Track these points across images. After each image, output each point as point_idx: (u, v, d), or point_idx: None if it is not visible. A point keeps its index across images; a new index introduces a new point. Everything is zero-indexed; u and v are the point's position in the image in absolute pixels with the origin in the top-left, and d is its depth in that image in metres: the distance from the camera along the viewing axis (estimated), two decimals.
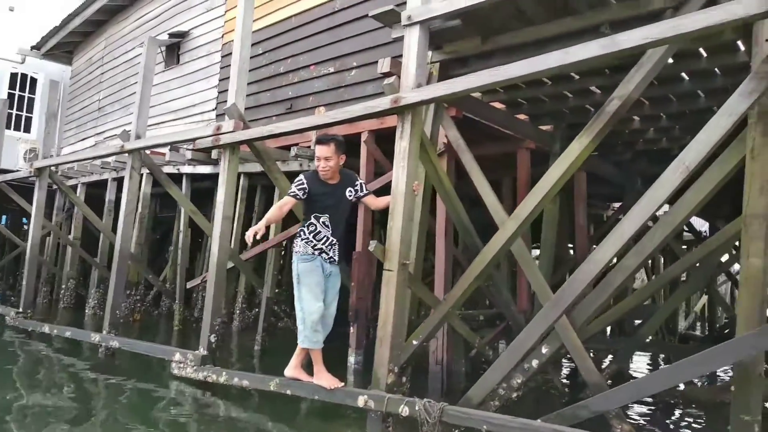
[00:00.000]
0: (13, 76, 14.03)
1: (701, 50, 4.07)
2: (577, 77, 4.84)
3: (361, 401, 3.66)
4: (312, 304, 3.86)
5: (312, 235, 3.94)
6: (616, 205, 10.15)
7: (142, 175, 7.96)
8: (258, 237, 3.73)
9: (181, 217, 8.92)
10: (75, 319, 9.44)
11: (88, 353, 6.38)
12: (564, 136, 5.86)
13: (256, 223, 3.93)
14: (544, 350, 3.83)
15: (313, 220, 3.96)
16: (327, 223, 3.95)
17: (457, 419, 3.22)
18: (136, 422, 4.08)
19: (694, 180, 3.08)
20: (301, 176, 3.94)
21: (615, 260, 3.43)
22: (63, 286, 10.99)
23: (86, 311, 9.98)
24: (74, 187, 11.18)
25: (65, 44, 13.19)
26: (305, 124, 4.48)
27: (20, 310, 7.67)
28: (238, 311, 8.54)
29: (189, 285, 8.36)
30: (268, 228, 4.35)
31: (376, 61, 4.74)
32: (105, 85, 11.74)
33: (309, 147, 6.60)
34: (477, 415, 3.15)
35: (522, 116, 5.97)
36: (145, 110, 6.35)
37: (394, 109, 3.83)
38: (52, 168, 8.07)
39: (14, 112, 13.95)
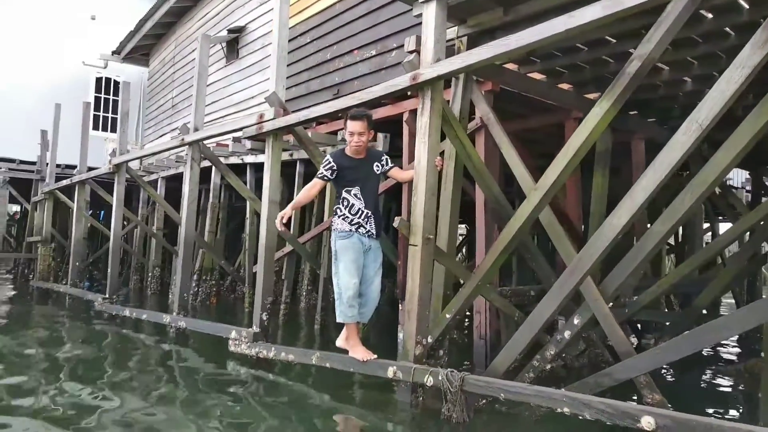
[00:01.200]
0: (98, 80, 15.19)
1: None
2: (613, 41, 4.66)
3: (390, 372, 3.79)
4: (347, 281, 4.01)
5: (347, 209, 4.06)
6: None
7: (211, 166, 8.47)
8: (284, 221, 3.92)
9: (248, 205, 9.38)
10: (160, 303, 10.19)
11: (162, 333, 6.92)
12: None
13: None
14: (576, 321, 3.80)
15: (344, 194, 4.07)
16: (358, 195, 4.05)
17: (476, 388, 3.28)
18: (195, 391, 4.45)
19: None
20: (328, 156, 4.06)
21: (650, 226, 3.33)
22: (149, 274, 11.86)
23: (169, 296, 10.77)
24: (155, 181, 12.01)
25: (141, 47, 14.10)
26: (334, 107, 4.62)
27: (106, 296, 8.40)
28: (304, 293, 8.90)
29: (254, 269, 8.79)
30: (303, 211, 4.53)
31: None
32: (177, 83, 12.46)
33: None
34: (495, 384, 3.20)
35: (565, 86, 5.81)
36: (201, 104, 6.74)
37: (413, 86, 3.88)
38: (129, 164, 8.71)
39: (101, 113, 15.13)
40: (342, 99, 4.58)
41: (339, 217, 4.10)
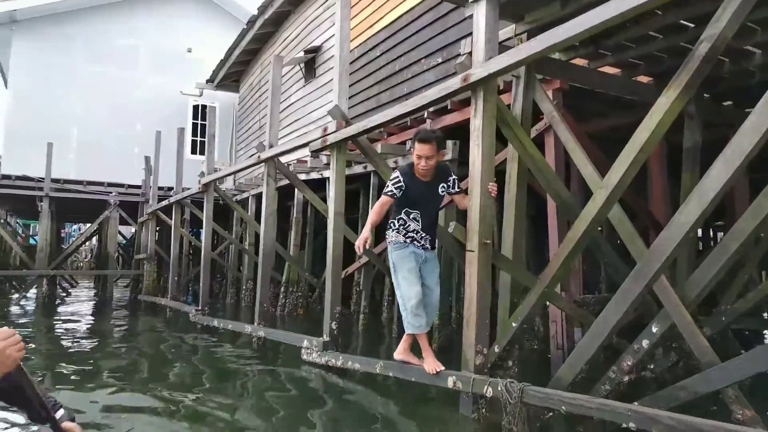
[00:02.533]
0: (195, 107, 16.26)
1: None
2: (691, 25, 4.29)
3: (450, 382, 3.68)
4: (408, 290, 3.95)
5: (402, 227, 4.04)
6: None
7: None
8: (367, 246, 3.81)
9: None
10: (253, 314, 10.62)
11: (247, 343, 7.20)
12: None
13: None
14: (654, 329, 3.50)
15: (403, 215, 4.03)
16: (417, 218, 4.00)
17: (536, 399, 3.09)
18: (270, 399, 4.57)
19: None
20: (397, 173, 3.95)
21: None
22: (243, 287, 12.41)
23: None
24: (246, 200, 12.60)
25: (232, 74, 14.93)
26: (390, 116, 4.60)
27: (199, 307, 8.88)
28: (385, 303, 8.91)
29: None
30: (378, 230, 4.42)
31: None
32: (262, 105, 13.05)
33: None
34: (555, 396, 2.99)
35: (644, 79, 5.43)
36: (275, 122, 7.00)
37: (465, 87, 3.78)
38: (225, 184, 9.18)
39: (198, 138, 16.15)
40: (398, 106, 4.55)
41: (393, 230, 4.07)
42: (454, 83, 3.85)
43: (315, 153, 5.68)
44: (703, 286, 3.24)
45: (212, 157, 9.19)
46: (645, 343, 3.54)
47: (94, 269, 19.87)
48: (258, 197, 12.22)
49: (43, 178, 13.30)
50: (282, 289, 10.76)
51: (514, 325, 3.99)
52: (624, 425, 2.69)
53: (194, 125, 16.25)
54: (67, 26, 15.03)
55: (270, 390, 4.90)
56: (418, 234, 4.01)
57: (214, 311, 10.40)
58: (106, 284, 14.34)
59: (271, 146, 6.87)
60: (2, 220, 20.16)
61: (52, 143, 13.17)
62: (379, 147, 7.30)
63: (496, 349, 4.06)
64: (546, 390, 3.11)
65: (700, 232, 9.75)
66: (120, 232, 17.91)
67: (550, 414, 3.41)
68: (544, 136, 5.02)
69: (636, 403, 3.13)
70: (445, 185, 4.00)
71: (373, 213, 3.96)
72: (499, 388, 3.27)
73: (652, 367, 4.69)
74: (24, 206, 16.58)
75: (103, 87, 15.24)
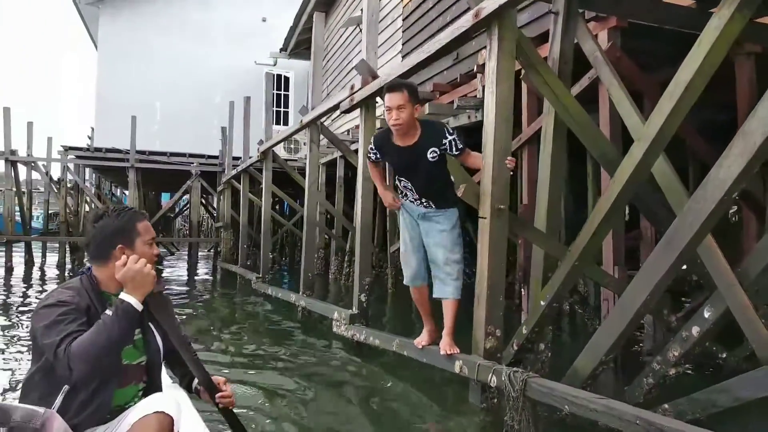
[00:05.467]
0: (269, 77, 16.34)
1: None
2: None
3: (457, 367, 3.23)
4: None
5: (401, 194, 3.62)
6: None
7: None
8: (395, 202, 3.52)
9: None
10: (321, 284, 10.60)
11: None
12: None
13: None
14: (706, 314, 2.87)
15: (396, 182, 3.61)
16: (409, 187, 3.47)
17: (539, 394, 2.57)
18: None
19: None
20: (374, 136, 3.55)
21: None
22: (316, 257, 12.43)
23: (329, 275, 11.20)
24: None
25: (303, 42, 14.71)
26: (407, 66, 4.09)
27: (259, 275, 8.92)
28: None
29: (391, 249, 8.60)
30: None
31: None
32: (329, 71, 12.80)
33: (475, 96, 6.12)
34: (559, 391, 2.46)
35: None
36: (317, 84, 6.68)
37: (477, 24, 3.22)
38: (275, 150, 9.08)
39: (273, 108, 16.25)
40: (413, 55, 4.03)
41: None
42: (467, 21, 3.29)
43: (346, 113, 5.29)
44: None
45: (270, 125, 9.08)
46: (695, 330, 2.91)
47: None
48: (327, 165, 12.08)
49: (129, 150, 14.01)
50: (347, 258, 10.60)
51: (542, 303, 3.44)
52: None
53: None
54: (145, 4, 15.55)
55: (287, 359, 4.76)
56: (414, 197, 3.51)
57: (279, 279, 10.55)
58: (190, 251, 15.01)
59: (313, 109, 6.56)
60: (108, 192, 21.74)
61: (135, 116, 13.76)
62: (427, 108, 6.78)
63: (524, 331, 3.55)
64: (551, 384, 2.58)
65: None
66: None
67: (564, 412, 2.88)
68: (599, 86, 4.31)
69: (666, 405, 2.53)
70: (437, 150, 3.24)
71: (376, 180, 3.67)
72: (503, 378, 2.79)
73: (724, 356, 3.97)
74: (118, 178, 17.65)
75: (181, 60, 15.71)
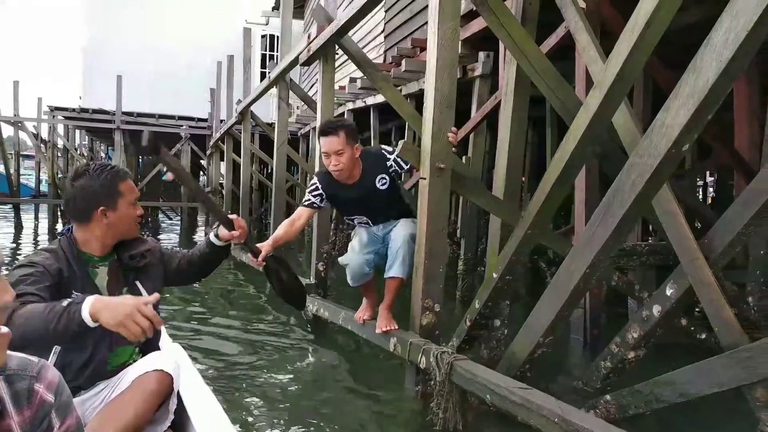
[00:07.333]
0: (263, 38, 15.81)
1: None
2: None
3: (391, 344, 2.91)
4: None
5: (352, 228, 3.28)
6: None
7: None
8: (262, 262, 2.38)
9: None
10: (296, 252, 10.31)
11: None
12: None
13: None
14: (668, 292, 2.52)
15: (348, 221, 3.28)
16: (364, 221, 3.12)
17: (464, 381, 2.24)
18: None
19: None
20: (314, 178, 3.07)
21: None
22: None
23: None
24: (308, 134, 12.00)
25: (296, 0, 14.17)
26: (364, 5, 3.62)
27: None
28: None
29: None
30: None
31: None
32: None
33: None
34: (482, 377, 2.12)
35: None
36: (286, 38, 6.24)
37: None
38: (252, 110, 8.66)
39: (267, 71, 15.77)
40: None
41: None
42: None
43: (304, 65, 4.85)
44: (735, 235, 2.18)
45: (249, 84, 8.65)
46: (656, 309, 2.57)
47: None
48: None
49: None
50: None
51: (494, 276, 3.09)
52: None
53: (262, 56, 15.84)
54: None
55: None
56: (374, 226, 3.14)
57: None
58: (181, 215, 14.78)
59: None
60: (105, 155, 21.45)
61: (121, 76, 13.34)
62: (404, 64, 6.32)
63: (477, 305, 3.21)
64: (476, 368, 2.23)
65: None
66: None
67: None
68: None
69: (608, 397, 2.19)
70: (386, 176, 2.90)
71: (281, 228, 2.94)
72: (431, 359, 2.45)
73: (703, 336, 3.61)
74: (110, 140, 17.33)
75: (172, 20, 15.17)
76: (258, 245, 2.39)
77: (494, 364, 2.83)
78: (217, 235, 2.00)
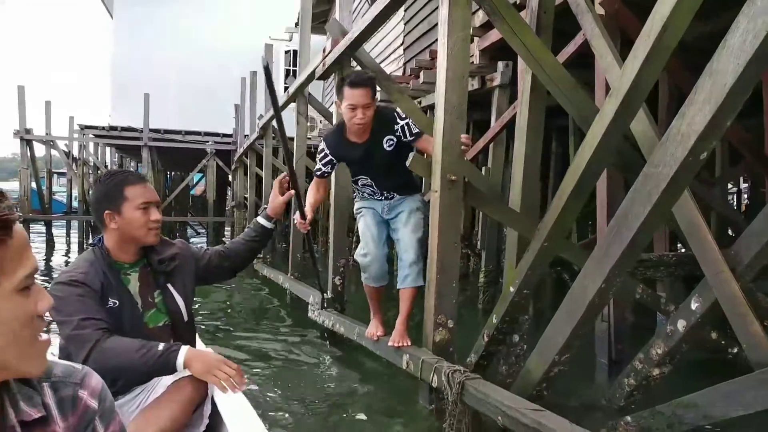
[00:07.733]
0: (286, 53, 15.99)
1: None
2: None
3: (403, 362, 2.83)
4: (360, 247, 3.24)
5: (358, 191, 3.24)
6: None
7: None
8: (307, 225, 2.79)
9: None
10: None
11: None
12: None
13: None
14: (693, 306, 2.40)
15: (353, 185, 3.25)
16: (369, 183, 3.09)
17: (475, 401, 2.15)
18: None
19: None
20: (322, 144, 3.05)
21: None
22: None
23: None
24: None
25: (319, 15, 14.27)
26: (372, 14, 3.59)
27: (260, 255, 8.68)
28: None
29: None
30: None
31: None
32: None
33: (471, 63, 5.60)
34: (494, 399, 2.03)
35: None
36: (305, 51, 6.28)
37: None
38: (274, 125, 8.71)
39: (286, 86, 15.94)
40: (375, 5, 3.55)
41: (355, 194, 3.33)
42: None
43: (320, 79, 4.86)
44: (766, 242, 2.06)
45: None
46: (681, 324, 2.45)
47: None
48: None
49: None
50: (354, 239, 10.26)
51: (512, 290, 3.00)
52: None
53: (286, 72, 16.02)
54: None
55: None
56: (375, 193, 3.13)
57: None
58: (207, 229, 14.96)
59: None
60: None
61: (148, 94, 13.63)
62: (422, 76, 6.29)
63: (494, 320, 3.11)
64: (488, 388, 2.15)
65: None
66: None
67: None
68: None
69: (629, 418, 2.08)
70: (392, 137, 2.88)
71: (309, 196, 3.09)
72: (442, 378, 2.38)
73: (735, 351, 3.45)
74: (136, 156, 17.69)
75: (198, 36, 15.46)
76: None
77: (513, 381, 2.74)
78: (266, 217, 2.14)
